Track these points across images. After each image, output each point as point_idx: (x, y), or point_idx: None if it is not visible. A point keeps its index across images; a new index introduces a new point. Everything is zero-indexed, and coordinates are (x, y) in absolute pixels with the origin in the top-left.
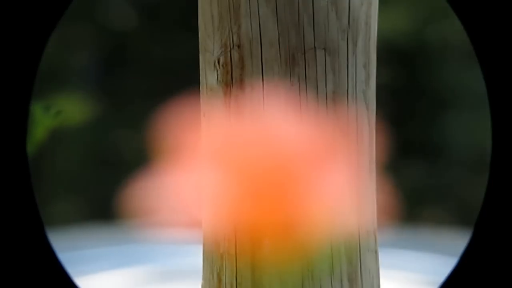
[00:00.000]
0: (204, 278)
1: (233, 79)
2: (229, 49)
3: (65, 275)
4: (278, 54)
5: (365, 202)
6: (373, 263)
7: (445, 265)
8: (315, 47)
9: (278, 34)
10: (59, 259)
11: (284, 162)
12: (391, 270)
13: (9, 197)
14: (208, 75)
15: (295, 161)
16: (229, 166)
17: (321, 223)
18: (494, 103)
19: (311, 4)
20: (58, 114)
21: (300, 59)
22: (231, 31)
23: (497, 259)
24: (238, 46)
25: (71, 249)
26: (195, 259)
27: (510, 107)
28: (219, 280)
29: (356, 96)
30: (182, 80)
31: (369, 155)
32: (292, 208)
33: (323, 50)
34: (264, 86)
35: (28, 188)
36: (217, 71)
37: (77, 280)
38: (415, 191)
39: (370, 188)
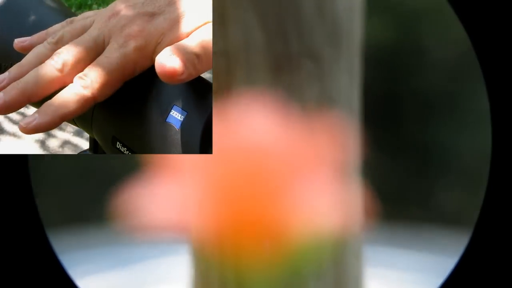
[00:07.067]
0: (190, 280)
1: (220, 86)
2: (216, 56)
3: (66, 277)
4: (264, 62)
5: (350, 205)
6: (358, 264)
7: (430, 264)
8: (300, 54)
9: (264, 41)
10: (60, 260)
11: (268, 167)
12: (376, 269)
13: (8, 196)
14: None
15: (280, 166)
16: (214, 170)
17: (306, 226)
18: (494, 102)
19: (297, 11)
20: None
21: (286, 66)
22: (218, 38)
23: (498, 258)
24: (225, 53)
25: (65, 251)
26: (183, 260)
27: (510, 106)
28: (206, 282)
29: (341, 102)
30: None
31: (353, 160)
32: (276, 212)
33: (308, 57)
34: (250, 93)
35: (27, 187)
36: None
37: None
38: (399, 191)
39: (354, 191)
